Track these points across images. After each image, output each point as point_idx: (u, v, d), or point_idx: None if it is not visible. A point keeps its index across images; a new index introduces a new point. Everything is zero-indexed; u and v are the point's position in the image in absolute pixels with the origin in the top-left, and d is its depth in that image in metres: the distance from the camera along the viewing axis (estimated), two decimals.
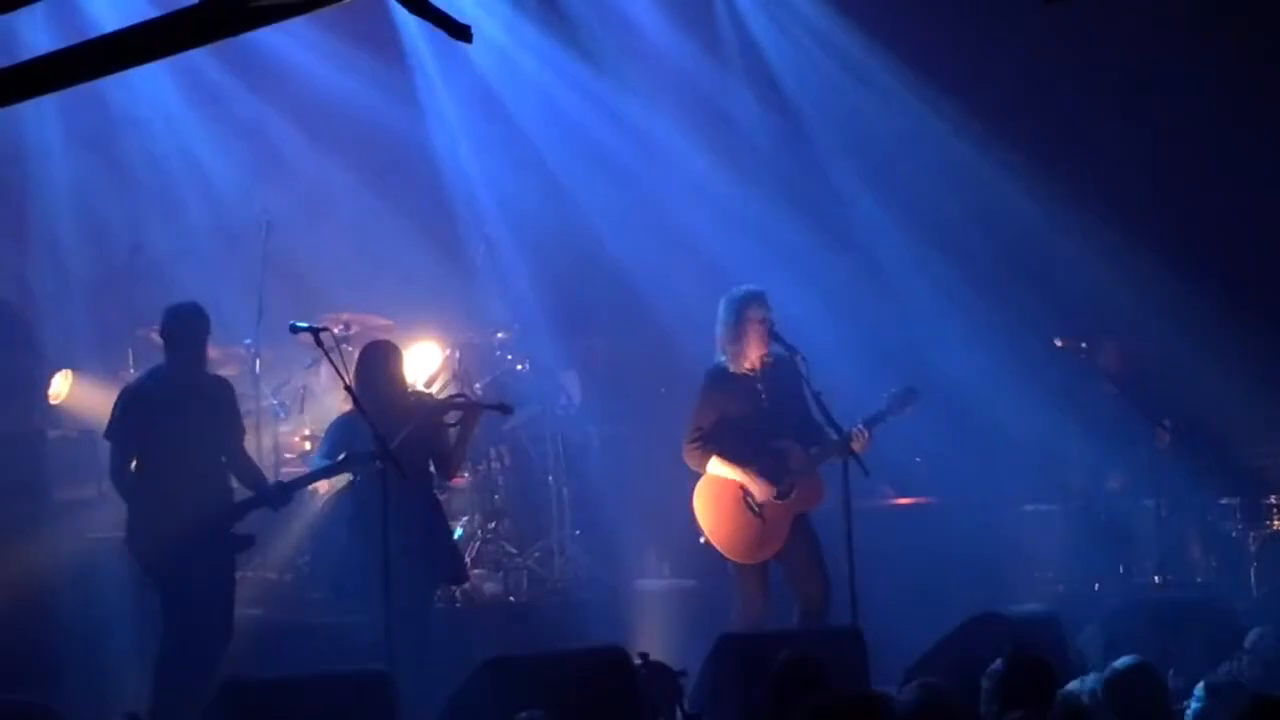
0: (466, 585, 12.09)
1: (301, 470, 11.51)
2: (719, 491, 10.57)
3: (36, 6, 12.06)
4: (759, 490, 10.48)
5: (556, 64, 14.62)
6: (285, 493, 10.38)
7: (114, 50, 4.46)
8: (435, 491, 10.97)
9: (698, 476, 10.62)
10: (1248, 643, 9.33)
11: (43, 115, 12.81)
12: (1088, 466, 13.35)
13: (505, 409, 11.06)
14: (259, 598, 11.59)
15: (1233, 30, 14.21)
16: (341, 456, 10.20)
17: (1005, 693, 7.16)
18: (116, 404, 10.19)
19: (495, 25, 14.44)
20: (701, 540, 10.76)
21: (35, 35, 12.20)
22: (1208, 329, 13.76)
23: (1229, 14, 14.19)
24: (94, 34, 4.67)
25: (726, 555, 10.59)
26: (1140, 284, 14.01)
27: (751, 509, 10.50)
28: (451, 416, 10.64)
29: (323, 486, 11.51)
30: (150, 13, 4.65)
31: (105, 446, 10.55)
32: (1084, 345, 13.51)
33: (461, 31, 4.64)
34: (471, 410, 10.63)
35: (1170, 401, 13.30)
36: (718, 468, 10.54)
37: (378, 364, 10.46)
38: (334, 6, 4.55)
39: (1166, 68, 14.24)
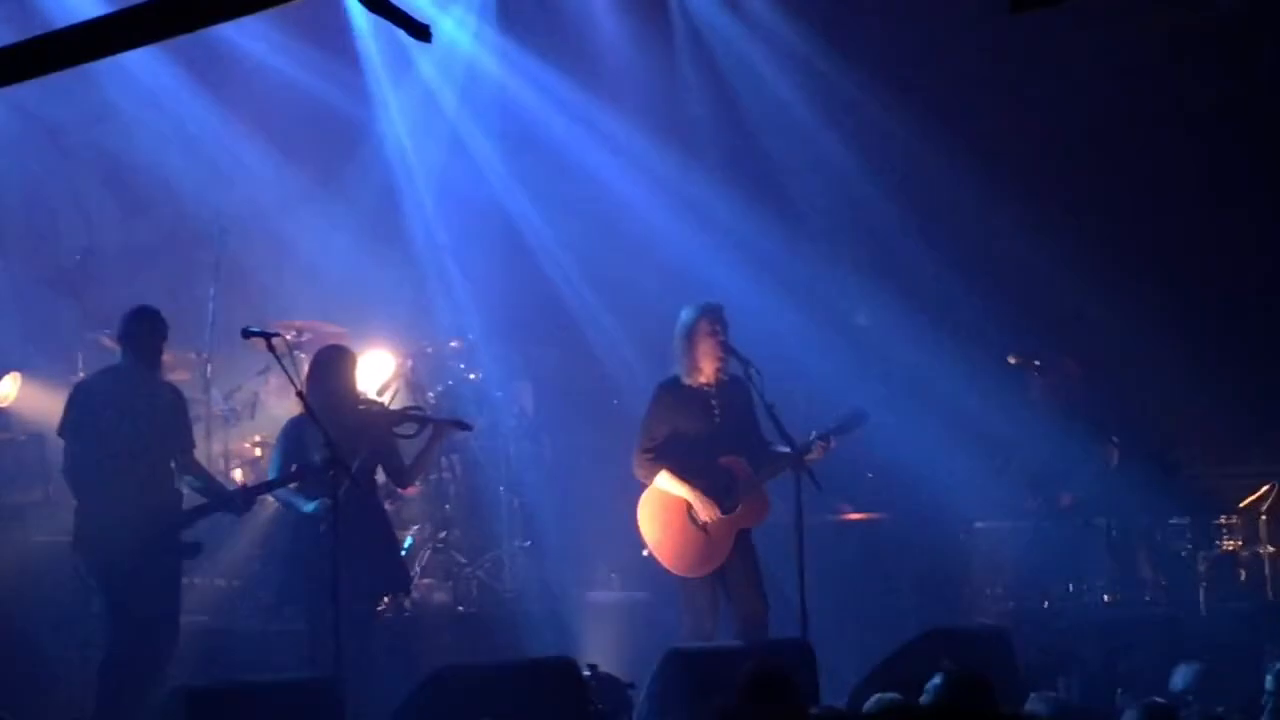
0: (415, 595, 12.06)
1: (255, 476, 11.50)
2: (663, 505, 10.53)
3: None
4: (704, 510, 10.45)
5: (516, 65, 14.60)
6: (248, 498, 10.37)
7: (72, 44, 4.43)
8: (384, 500, 10.95)
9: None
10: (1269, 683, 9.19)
11: None
12: (1039, 484, 13.36)
13: (464, 426, 11.02)
14: (206, 604, 11.53)
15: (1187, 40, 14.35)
16: (294, 467, 10.14)
17: (944, 709, 7.16)
18: (69, 400, 10.15)
19: (450, 24, 14.42)
20: (644, 553, 10.74)
21: None
22: (1167, 351, 13.82)
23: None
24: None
25: (669, 568, 10.57)
26: (1099, 303, 14.05)
27: (695, 522, 10.47)
28: (407, 428, 10.60)
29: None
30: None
31: (53, 450, 10.50)
32: (1037, 363, 13.56)
33: (421, 31, 4.62)
34: (437, 427, 10.59)
35: (1123, 420, 13.37)
36: (665, 482, 10.50)
37: (330, 368, 10.40)
38: (286, 5, 4.52)
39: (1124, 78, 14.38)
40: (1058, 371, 13.61)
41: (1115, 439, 13.20)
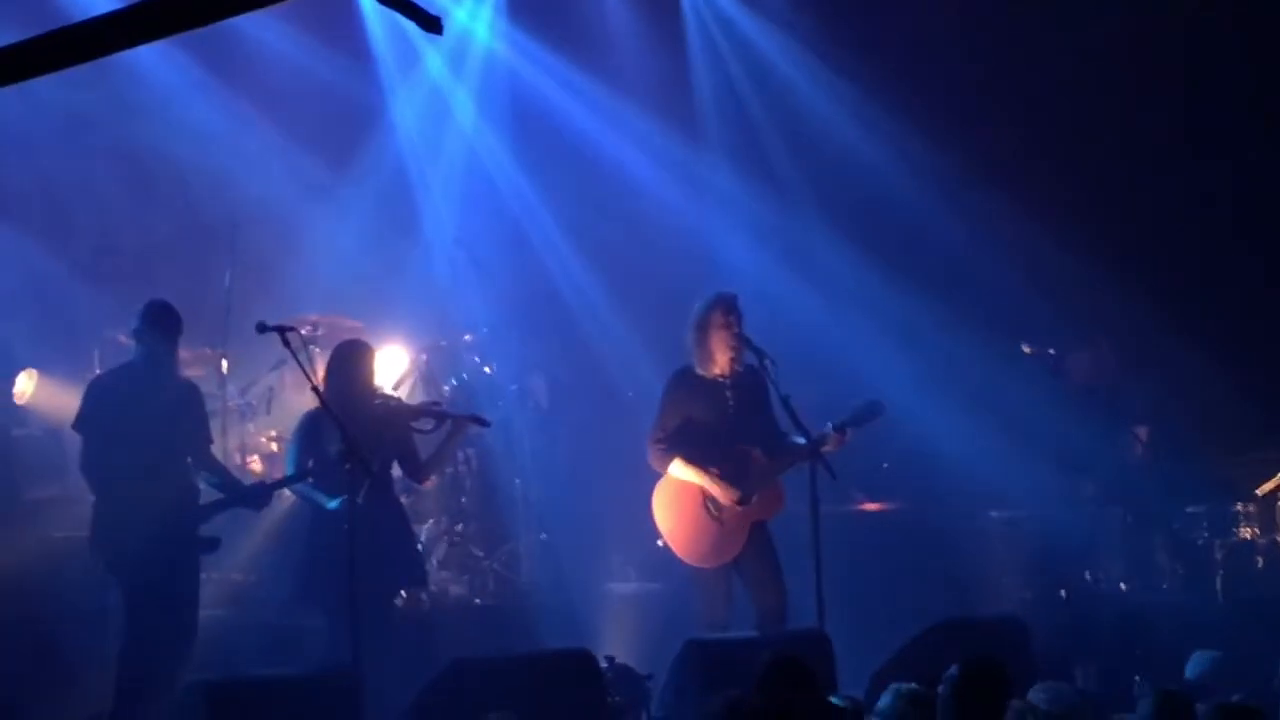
0: (432, 587, 12.07)
1: (272, 470, 11.51)
2: (678, 494, 10.53)
3: None
4: (722, 494, 10.43)
5: (527, 54, 14.60)
6: (265, 493, 10.37)
7: (82, 40, 4.43)
8: (400, 494, 10.96)
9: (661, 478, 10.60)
10: None
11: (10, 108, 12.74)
12: (1063, 467, 13.35)
13: (482, 421, 11.02)
14: (223, 598, 11.53)
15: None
16: (310, 462, 10.14)
17: (961, 699, 7.17)
18: (85, 396, 10.16)
19: (462, 15, 14.44)
20: (660, 543, 10.75)
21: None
22: (1184, 338, 13.80)
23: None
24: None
25: (683, 559, 10.57)
26: (1116, 290, 14.03)
27: (710, 513, 10.46)
28: (425, 423, 10.60)
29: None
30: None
31: (70, 446, 10.49)
32: (1051, 352, 13.55)
33: (432, 23, 4.62)
34: (456, 423, 10.59)
35: (1147, 409, 13.37)
36: (680, 470, 10.49)
37: (349, 363, 10.38)
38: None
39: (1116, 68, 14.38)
40: (1079, 360, 13.61)
41: (1140, 431, 13.21)
